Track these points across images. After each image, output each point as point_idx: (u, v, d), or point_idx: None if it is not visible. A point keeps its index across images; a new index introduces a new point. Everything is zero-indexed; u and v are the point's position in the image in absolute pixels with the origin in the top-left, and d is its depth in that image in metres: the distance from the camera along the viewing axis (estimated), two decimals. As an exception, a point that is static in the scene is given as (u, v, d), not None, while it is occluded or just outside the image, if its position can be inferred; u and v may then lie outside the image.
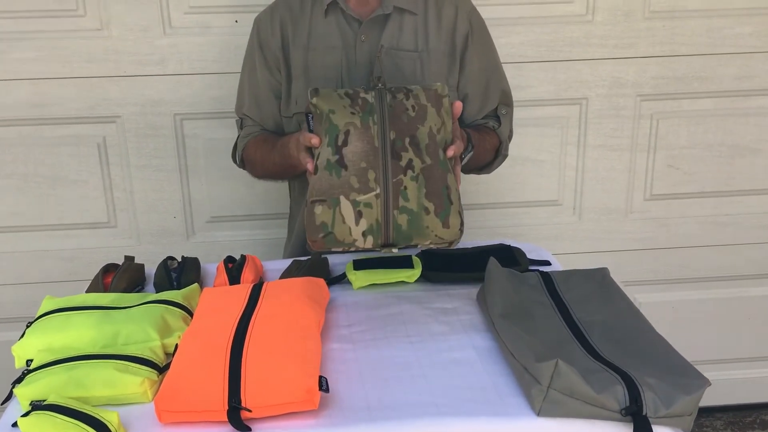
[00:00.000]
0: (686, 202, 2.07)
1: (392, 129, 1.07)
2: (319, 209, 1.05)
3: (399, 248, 1.08)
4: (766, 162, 2.05)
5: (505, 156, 1.55)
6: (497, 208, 2.04)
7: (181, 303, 1.15)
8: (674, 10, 1.89)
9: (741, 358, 2.26)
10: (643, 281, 2.14)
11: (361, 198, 1.04)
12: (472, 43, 1.47)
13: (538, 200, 2.04)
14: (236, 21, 1.80)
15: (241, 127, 1.55)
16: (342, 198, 1.05)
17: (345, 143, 1.06)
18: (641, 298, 2.14)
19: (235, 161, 1.58)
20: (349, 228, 1.05)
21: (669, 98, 1.96)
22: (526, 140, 1.96)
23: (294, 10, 1.46)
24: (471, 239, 1.93)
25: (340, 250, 1.08)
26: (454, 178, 1.10)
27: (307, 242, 1.07)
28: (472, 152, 1.32)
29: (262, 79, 1.48)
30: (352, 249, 1.08)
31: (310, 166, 1.10)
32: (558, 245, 2.07)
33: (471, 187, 1.95)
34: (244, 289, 1.16)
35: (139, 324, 1.07)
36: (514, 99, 1.95)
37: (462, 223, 1.08)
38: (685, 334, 2.17)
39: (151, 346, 1.04)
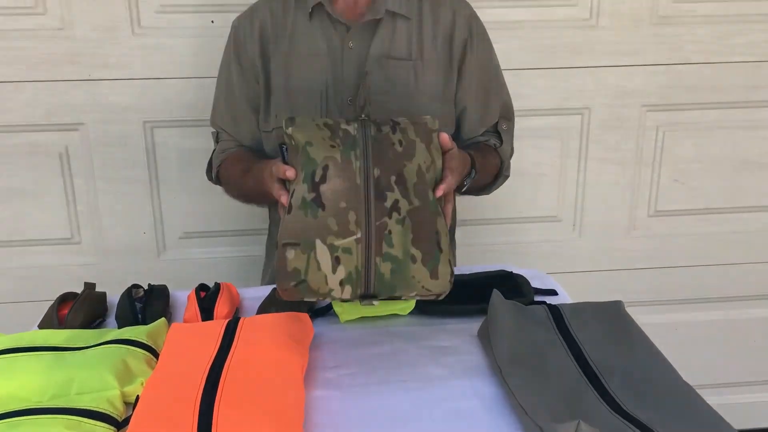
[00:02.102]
0: (692, 218, 2.01)
1: (376, 165, 0.96)
2: (291, 254, 0.93)
3: (381, 300, 0.96)
4: (777, 177, 1.98)
5: (507, 176, 1.45)
6: (492, 224, 1.94)
7: (146, 342, 1.03)
8: (683, 16, 1.82)
9: (746, 381, 2.20)
10: (645, 301, 2.07)
11: (340, 242, 0.93)
12: (471, 50, 1.36)
13: (536, 216, 1.96)
14: (212, 21, 1.69)
15: (217, 140, 1.44)
16: (318, 242, 0.93)
17: (323, 180, 0.95)
18: (643, 319, 2.00)
19: (210, 178, 1.47)
20: (325, 276, 0.93)
21: (676, 109, 1.89)
22: (524, 152, 1.87)
23: (275, 13, 1.34)
24: (465, 258, 1.86)
25: (314, 300, 0.96)
26: (444, 221, 0.99)
27: (276, 290, 0.96)
28: (475, 176, 1.21)
29: (239, 91, 1.37)
30: (328, 300, 0.96)
31: (284, 199, 0.99)
32: (557, 263, 1.99)
33: (464, 201, 1.85)
34: (216, 327, 1.04)
35: (95, 369, 0.96)
36: (511, 108, 1.85)
37: (452, 274, 0.97)
38: (687, 356, 2.09)
39: (109, 397, 0.92)
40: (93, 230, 1.82)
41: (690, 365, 2.10)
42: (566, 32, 1.79)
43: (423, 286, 0.96)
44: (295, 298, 0.96)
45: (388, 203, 0.95)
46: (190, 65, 1.71)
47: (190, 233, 1.86)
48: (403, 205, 0.96)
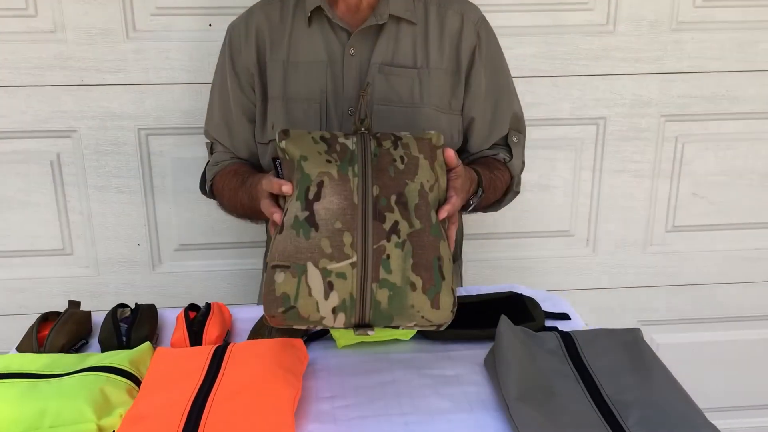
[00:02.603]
0: (712, 234, 1.93)
1: (376, 183, 0.90)
2: (280, 277, 0.87)
3: (376, 329, 0.90)
4: (802, 192, 1.90)
5: (517, 192, 1.38)
6: (502, 238, 1.88)
7: (128, 370, 0.97)
8: (705, 22, 1.74)
9: (767, 404, 2.11)
10: (661, 320, 2.00)
11: (334, 266, 0.87)
12: (479, 57, 1.30)
13: (548, 230, 1.89)
14: (210, 25, 1.63)
15: (211, 152, 1.38)
16: (310, 265, 0.87)
17: (317, 197, 0.89)
18: (659, 339, 2.01)
19: (203, 191, 1.41)
20: (317, 302, 0.87)
21: (696, 119, 1.82)
22: (536, 163, 1.81)
23: (272, 17, 1.28)
24: (473, 274, 1.79)
25: (304, 328, 0.90)
26: (447, 245, 0.93)
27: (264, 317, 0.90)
28: (482, 195, 1.15)
29: (234, 99, 1.31)
30: (319, 327, 0.90)
31: (276, 217, 0.93)
32: (569, 280, 1.93)
33: (472, 215, 1.78)
34: (203, 354, 0.98)
35: (71, 399, 0.90)
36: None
37: (455, 304, 0.91)
38: (705, 378, 2.05)
39: (84, 430, 0.86)
40: (85, 241, 1.77)
41: (708, 387, 2.05)
42: (582, 38, 1.73)
43: (423, 317, 0.89)
44: (283, 326, 0.89)
45: (387, 225, 0.89)
46: (186, 70, 1.65)
47: (187, 245, 1.80)
48: (404, 227, 0.89)
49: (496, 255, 1.88)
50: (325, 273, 0.87)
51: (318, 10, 1.25)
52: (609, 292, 1.94)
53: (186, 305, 1.20)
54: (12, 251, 1.76)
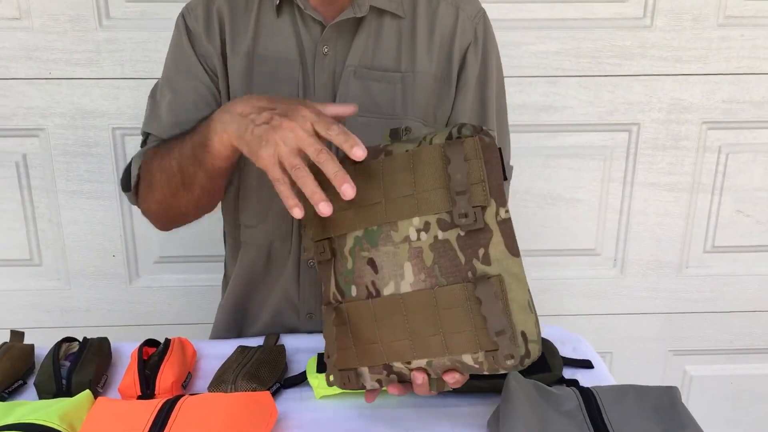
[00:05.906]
0: (755, 256, 1.81)
1: None
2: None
3: None
4: None
5: None
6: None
7: (56, 428, 0.83)
8: (756, 16, 1.60)
9: (813, 445, 1.96)
10: (697, 350, 1.88)
11: None
12: (473, 56, 1.11)
13: (572, 248, 1.77)
14: (192, 13, 1.49)
15: (144, 144, 1.16)
16: None
17: None
18: (694, 371, 1.90)
19: (125, 187, 1.14)
20: None
21: (743, 127, 1.69)
22: (559, 174, 1.69)
23: (236, 3, 1.11)
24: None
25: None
26: None
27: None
28: None
29: (192, 93, 1.11)
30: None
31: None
32: (594, 304, 1.81)
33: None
34: (147, 410, 0.84)
35: (-20, 468, 0.76)
36: (545, 121, 1.65)
37: None
38: (743, 413, 1.89)
39: None
40: (55, 251, 1.69)
41: (747, 425, 1.89)
42: (614, 33, 1.60)
43: None
44: None
45: None
46: (166, 64, 1.53)
47: (167, 257, 1.71)
48: None
49: (513, 275, 1.74)
50: None
51: None
52: (638, 318, 1.82)
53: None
54: (-26, 261, 1.67)
